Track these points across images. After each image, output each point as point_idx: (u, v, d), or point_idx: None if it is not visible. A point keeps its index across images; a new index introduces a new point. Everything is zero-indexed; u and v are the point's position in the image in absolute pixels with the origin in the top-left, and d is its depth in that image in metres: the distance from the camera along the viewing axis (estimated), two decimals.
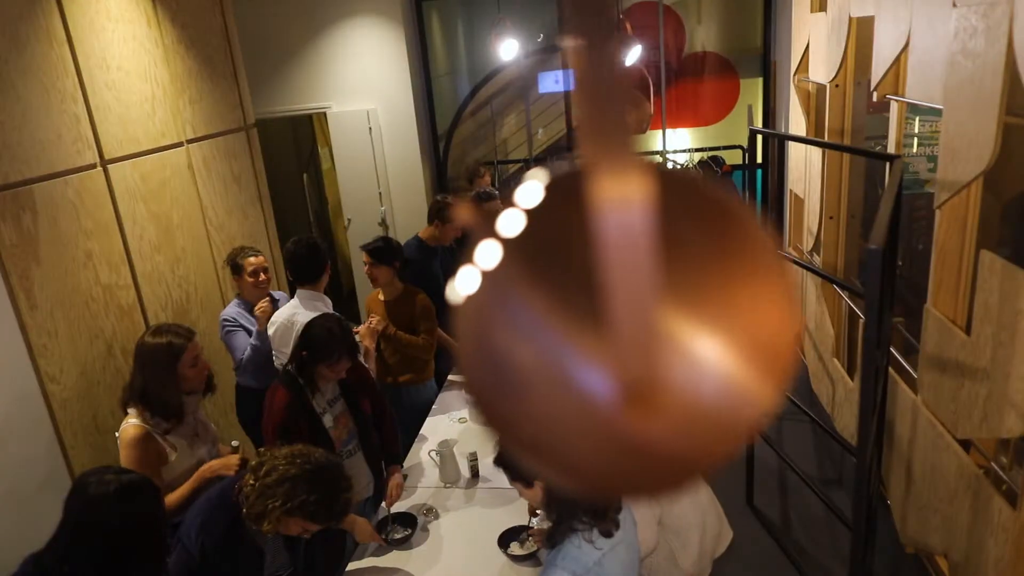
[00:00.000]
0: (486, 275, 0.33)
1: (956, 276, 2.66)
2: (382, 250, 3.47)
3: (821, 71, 4.15)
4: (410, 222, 5.89)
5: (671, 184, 0.32)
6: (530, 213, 0.33)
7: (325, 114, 6.02)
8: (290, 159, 7.28)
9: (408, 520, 2.71)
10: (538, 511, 2.53)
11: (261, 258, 3.41)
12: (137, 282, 3.28)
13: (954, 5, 2.43)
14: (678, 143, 7.37)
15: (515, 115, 7.33)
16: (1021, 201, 2.84)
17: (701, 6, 6.76)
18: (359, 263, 4.48)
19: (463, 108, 6.51)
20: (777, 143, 4.89)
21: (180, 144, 3.67)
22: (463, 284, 0.33)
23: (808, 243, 4.59)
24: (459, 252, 4.39)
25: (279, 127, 6.71)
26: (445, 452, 2.98)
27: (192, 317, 3.63)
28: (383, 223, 6.08)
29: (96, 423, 2.96)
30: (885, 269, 2.19)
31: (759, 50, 6.04)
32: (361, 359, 3.03)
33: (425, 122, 6.10)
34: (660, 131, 6.31)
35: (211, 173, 3.90)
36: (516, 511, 2.70)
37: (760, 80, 6.00)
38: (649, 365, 0.32)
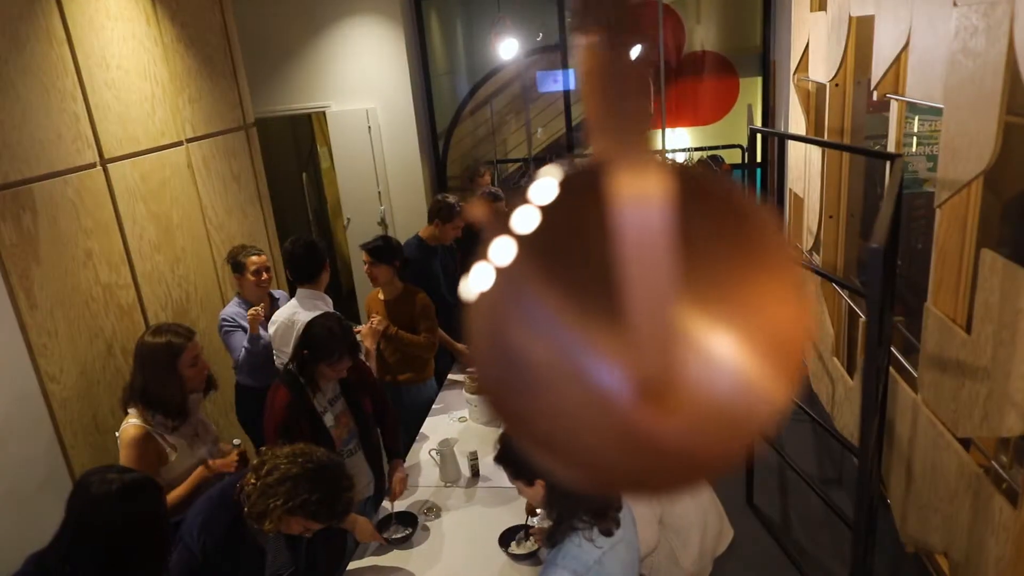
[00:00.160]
0: (502, 272, 0.33)
1: (956, 275, 2.67)
2: (382, 249, 3.47)
3: (821, 70, 4.15)
4: (409, 221, 5.88)
5: (687, 181, 0.32)
6: (546, 210, 0.33)
7: (324, 113, 6.01)
8: (289, 158, 7.27)
9: (409, 519, 2.71)
10: (537, 511, 2.54)
11: (263, 257, 3.41)
12: (137, 281, 3.28)
13: (955, 4, 2.43)
14: (677, 142, 7.37)
15: (514, 114, 7.32)
16: (1021, 200, 2.85)
17: (700, 5, 6.76)
18: (358, 262, 4.48)
19: (462, 107, 6.51)
20: (777, 142, 4.89)
21: (180, 143, 3.67)
22: (478, 281, 0.33)
23: (808, 242, 4.60)
24: (463, 251, 4.41)
25: (278, 126, 6.71)
26: (445, 451, 2.98)
27: (192, 316, 3.62)
28: (382, 222, 6.08)
29: (96, 423, 2.96)
30: (886, 268, 2.19)
31: (758, 49, 6.03)
32: (362, 358, 3.03)
33: (424, 121, 6.09)
34: (659, 130, 6.31)
35: (211, 172, 3.90)
36: (517, 510, 2.70)
37: (759, 79, 6.00)
38: (665, 362, 0.32)
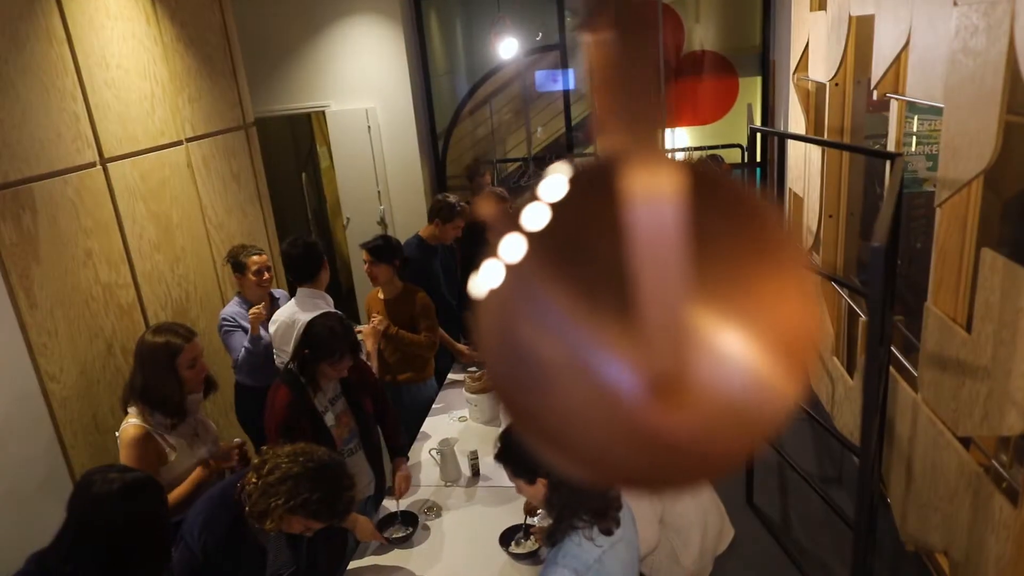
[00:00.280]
0: (513, 268, 0.33)
1: (956, 274, 2.67)
2: (382, 248, 3.47)
3: (821, 70, 4.15)
4: (409, 221, 5.88)
5: (699, 179, 0.32)
6: (556, 206, 0.33)
7: (324, 113, 6.01)
8: (289, 158, 7.26)
9: (409, 519, 2.71)
10: (536, 510, 2.54)
11: (264, 257, 3.41)
12: (137, 281, 3.27)
13: (955, 3, 2.43)
14: (677, 142, 7.37)
15: (514, 114, 7.32)
16: (1022, 199, 2.85)
17: (700, 5, 6.75)
18: (358, 262, 4.48)
19: (462, 107, 6.51)
20: (777, 141, 4.89)
21: (179, 143, 3.66)
22: (489, 278, 0.33)
23: (807, 241, 4.60)
24: (467, 249, 4.40)
25: (277, 126, 6.70)
26: (446, 451, 2.98)
27: (192, 316, 3.62)
28: (382, 222, 6.08)
29: (96, 422, 2.96)
30: (887, 267, 2.19)
31: (758, 49, 6.04)
32: (364, 358, 3.03)
33: (424, 121, 6.09)
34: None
35: (210, 172, 3.90)
36: (517, 509, 2.70)
37: (759, 79, 6.00)
38: (676, 360, 0.32)
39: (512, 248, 0.33)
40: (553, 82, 6.79)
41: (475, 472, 3.00)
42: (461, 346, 4.01)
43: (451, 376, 3.97)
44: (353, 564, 2.56)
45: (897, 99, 3.22)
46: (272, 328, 3.21)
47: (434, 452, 3.10)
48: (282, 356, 3.14)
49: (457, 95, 6.64)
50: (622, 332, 0.32)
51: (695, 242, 0.31)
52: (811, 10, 4.40)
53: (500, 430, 2.25)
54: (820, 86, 4.25)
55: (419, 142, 5.96)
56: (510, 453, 1.94)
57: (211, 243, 3.85)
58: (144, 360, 2.50)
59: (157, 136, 3.49)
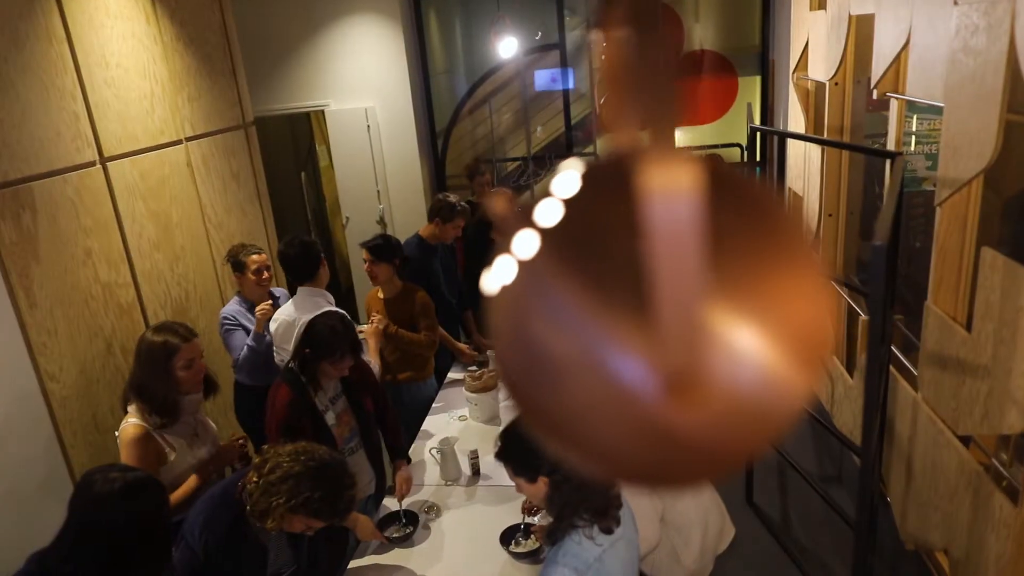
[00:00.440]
0: (528, 265, 0.33)
1: (956, 273, 2.67)
2: (382, 247, 3.47)
3: (820, 69, 4.16)
4: (408, 220, 5.88)
5: (713, 176, 0.32)
6: (571, 202, 0.33)
7: (323, 112, 6.00)
8: (288, 157, 7.26)
9: (410, 518, 2.71)
10: (534, 509, 2.54)
11: (264, 256, 3.41)
12: (136, 280, 3.27)
13: (955, 3, 2.43)
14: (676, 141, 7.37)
15: (513, 113, 7.32)
16: (1022, 199, 2.85)
17: (699, 4, 6.75)
18: (358, 261, 4.47)
19: (461, 106, 6.51)
20: (776, 141, 4.89)
21: (179, 142, 3.66)
22: (501, 274, 0.33)
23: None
24: (473, 246, 4.40)
25: (277, 125, 6.70)
26: (446, 450, 2.98)
27: (191, 315, 3.62)
28: (381, 221, 6.07)
29: (96, 422, 2.96)
30: (888, 266, 2.19)
31: (757, 48, 6.04)
32: (365, 357, 3.03)
33: (423, 120, 6.09)
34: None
35: (210, 171, 3.89)
36: (517, 508, 2.70)
37: (758, 78, 6.00)
38: (691, 356, 0.32)
39: (527, 244, 0.33)
40: (552, 82, 6.79)
41: (475, 471, 3.00)
42: (461, 345, 4.01)
43: (451, 375, 3.97)
44: (354, 563, 2.56)
45: (897, 98, 3.22)
46: (273, 327, 3.21)
47: (434, 451, 3.10)
48: (282, 355, 3.14)
49: (456, 94, 6.63)
50: (637, 328, 0.32)
51: (711, 238, 0.31)
52: (811, 9, 4.40)
53: (500, 429, 2.25)
54: (820, 85, 4.26)
55: (418, 141, 5.96)
56: (511, 452, 1.94)
57: (211, 242, 3.85)
58: (142, 357, 2.49)
59: (157, 135, 3.49)
